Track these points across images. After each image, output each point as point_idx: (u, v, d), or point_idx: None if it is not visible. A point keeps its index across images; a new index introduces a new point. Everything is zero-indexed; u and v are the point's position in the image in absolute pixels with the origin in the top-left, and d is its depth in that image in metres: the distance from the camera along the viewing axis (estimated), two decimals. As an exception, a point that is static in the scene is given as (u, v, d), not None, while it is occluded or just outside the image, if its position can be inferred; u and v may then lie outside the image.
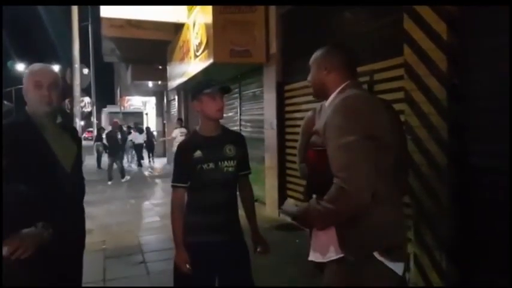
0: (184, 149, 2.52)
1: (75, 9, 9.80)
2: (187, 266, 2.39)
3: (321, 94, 2.04)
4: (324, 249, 1.84)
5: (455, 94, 3.42)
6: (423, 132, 3.59)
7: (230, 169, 2.49)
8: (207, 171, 2.43)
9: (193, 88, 2.54)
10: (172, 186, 2.51)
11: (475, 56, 3.34)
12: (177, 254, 2.45)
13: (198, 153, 2.43)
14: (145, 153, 18.33)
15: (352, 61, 2.04)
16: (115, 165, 12.38)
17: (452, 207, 3.46)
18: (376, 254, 1.72)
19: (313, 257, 1.92)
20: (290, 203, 1.98)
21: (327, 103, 1.96)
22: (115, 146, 12.35)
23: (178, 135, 11.69)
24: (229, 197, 2.54)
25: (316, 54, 2.08)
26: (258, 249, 2.63)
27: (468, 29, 3.36)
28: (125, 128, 17.18)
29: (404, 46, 3.82)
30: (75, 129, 2.65)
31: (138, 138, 17.29)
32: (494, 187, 3.21)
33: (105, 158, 18.14)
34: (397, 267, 1.75)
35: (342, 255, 1.75)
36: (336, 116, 1.74)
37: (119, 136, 12.73)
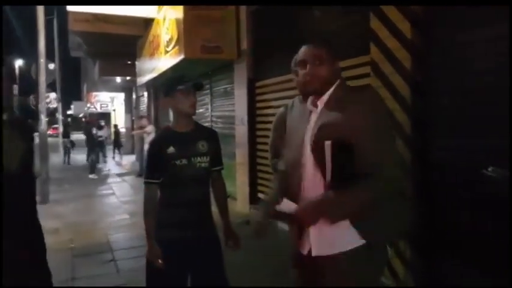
0: (157, 145, 2.52)
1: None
2: (160, 261, 2.40)
3: (317, 88, 1.97)
4: (335, 241, 1.85)
5: (419, 91, 3.55)
6: (389, 128, 3.70)
7: (203, 165, 2.51)
8: (180, 167, 2.45)
9: (166, 84, 2.55)
10: (145, 183, 2.52)
11: (438, 54, 3.47)
12: (149, 249, 2.46)
13: (171, 149, 2.44)
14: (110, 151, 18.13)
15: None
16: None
17: (416, 200, 3.59)
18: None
19: (319, 251, 1.90)
20: (286, 202, 1.92)
21: (323, 98, 1.96)
22: (91, 142, 13.00)
23: (153, 131, 11.41)
24: (202, 192, 2.56)
25: (327, 48, 1.99)
26: (229, 244, 2.66)
27: (431, 28, 3.49)
28: None
29: (371, 44, 3.93)
30: (24, 124, 2.56)
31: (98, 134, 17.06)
32: (455, 181, 3.36)
33: (73, 155, 17.99)
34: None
35: (359, 243, 1.80)
36: (371, 112, 1.82)
37: (94, 132, 13.30)
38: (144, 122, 11.65)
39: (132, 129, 20.10)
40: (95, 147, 13.16)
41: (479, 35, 3.10)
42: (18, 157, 2.25)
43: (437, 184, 3.52)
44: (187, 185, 2.49)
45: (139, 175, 11.78)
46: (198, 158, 2.50)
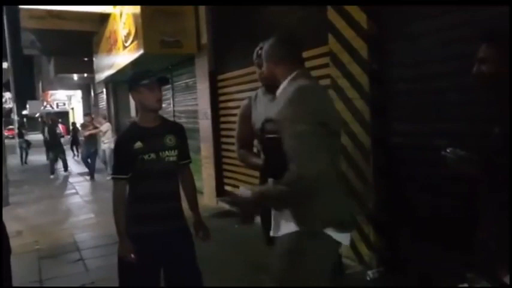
0: (124, 141, 2.53)
1: (-11, -1, 9.14)
2: (132, 256, 2.42)
3: (272, 84, 2.12)
4: (280, 225, 1.99)
5: (376, 79, 3.70)
6: (348, 116, 3.84)
7: (171, 159, 2.54)
8: (148, 162, 2.46)
9: (130, 79, 2.55)
10: (113, 178, 2.52)
11: (392, 42, 3.62)
12: (120, 244, 2.46)
13: (138, 144, 2.45)
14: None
15: (298, 50, 2.14)
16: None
17: (377, 184, 3.75)
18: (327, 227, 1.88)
19: (272, 233, 2.06)
20: (244, 190, 2.06)
21: (278, 91, 2.04)
22: (55, 141, 12.79)
23: (109, 129, 11.21)
24: (171, 186, 2.58)
25: (265, 46, 2.12)
26: (200, 235, 2.71)
27: (385, 19, 3.63)
28: None
29: (329, 35, 4.04)
30: None
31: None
32: (412, 163, 3.53)
33: (30, 156, 17.46)
34: (344, 238, 1.94)
35: (295, 229, 1.89)
36: (290, 105, 1.83)
37: (58, 131, 13.21)
38: (100, 119, 11.42)
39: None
40: (59, 146, 12.84)
41: (432, 24, 3.26)
42: None
43: (397, 167, 3.69)
44: (156, 179, 2.50)
45: (91, 177, 11.42)
46: (166, 152, 2.52)
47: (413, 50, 3.46)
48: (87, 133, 11.18)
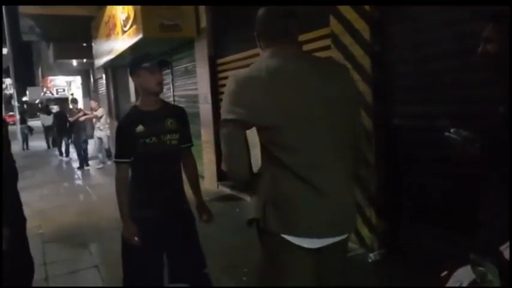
0: (125, 125, 2.52)
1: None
2: (136, 238, 2.43)
3: None
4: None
5: (378, 61, 3.67)
6: (350, 99, 3.81)
7: (173, 142, 2.53)
8: (150, 145, 2.45)
9: (131, 62, 2.53)
10: (116, 162, 2.52)
11: (394, 24, 3.58)
12: (124, 227, 2.47)
13: (140, 127, 2.44)
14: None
15: (283, 24, 1.79)
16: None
17: (378, 166, 3.75)
18: (282, 231, 1.69)
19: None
20: None
21: None
22: (64, 126, 12.55)
23: (104, 114, 10.68)
24: (173, 169, 2.59)
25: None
26: (203, 218, 2.72)
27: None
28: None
29: (331, 17, 4.00)
30: None
31: (47, 120, 16.53)
32: (415, 145, 3.53)
33: (31, 142, 17.56)
34: (309, 243, 1.70)
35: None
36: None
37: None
38: (94, 105, 10.68)
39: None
40: (68, 132, 12.44)
41: (431, 6, 3.22)
42: None
43: (399, 150, 3.68)
44: (158, 162, 2.51)
45: (80, 166, 10.85)
46: (168, 136, 2.51)
47: (415, 32, 3.42)
48: (82, 118, 10.61)
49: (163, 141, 2.50)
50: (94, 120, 10.64)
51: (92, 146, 11.40)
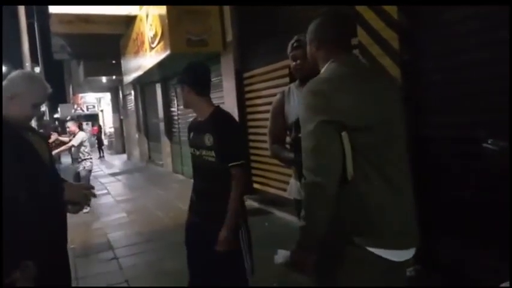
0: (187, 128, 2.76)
1: (22, 6, 9.39)
2: None
3: (308, 75, 1.87)
4: None
5: (407, 70, 3.59)
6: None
7: (209, 158, 2.46)
8: (193, 156, 2.61)
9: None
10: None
11: (424, 32, 3.51)
12: None
13: (190, 135, 2.65)
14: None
15: (344, 33, 1.82)
16: None
17: (412, 179, 3.63)
18: (360, 241, 1.60)
19: None
20: (281, 254, 1.78)
21: None
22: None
23: (84, 140, 7.74)
24: (208, 186, 2.56)
25: (310, 27, 1.84)
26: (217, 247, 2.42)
27: (416, 7, 3.52)
28: None
29: (358, 27, 3.95)
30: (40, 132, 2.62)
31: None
32: (448, 156, 3.42)
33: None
34: (391, 255, 1.63)
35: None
36: (302, 101, 1.67)
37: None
38: (72, 127, 7.74)
39: (122, 129, 20.01)
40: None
41: (462, 12, 3.15)
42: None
43: (434, 162, 3.57)
44: (196, 175, 2.69)
45: None
46: (204, 151, 2.56)
47: (445, 39, 3.34)
48: (55, 151, 6.77)
49: (200, 156, 2.52)
50: (72, 149, 7.77)
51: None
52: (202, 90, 2.49)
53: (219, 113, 2.52)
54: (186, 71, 2.53)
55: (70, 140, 7.73)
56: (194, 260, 2.61)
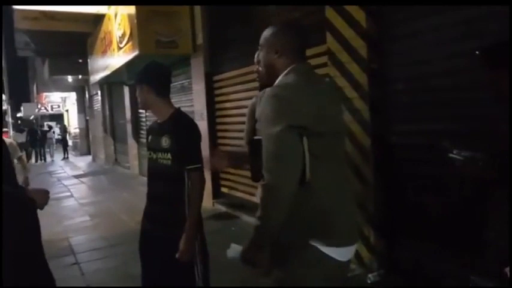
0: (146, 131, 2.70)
1: (-19, 0, 9.02)
2: None
3: (269, 79, 1.87)
4: None
5: (375, 78, 3.65)
6: (347, 116, 3.79)
7: (164, 162, 2.41)
8: (149, 160, 2.53)
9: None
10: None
11: (392, 42, 3.58)
12: None
13: (149, 138, 2.61)
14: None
15: (304, 42, 1.89)
16: None
17: (377, 185, 3.70)
18: (314, 241, 1.67)
19: None
20: (234, 248, 1.80)
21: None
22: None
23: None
24: (162, 189, 2.47)
25: (267, 33, 1.87)
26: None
27: (385, 17, 3.59)
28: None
29: (327, 34, 3.99)
30: None
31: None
32: (412, 162, 3.49)
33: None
34: (339, 253, 1.71)
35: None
36: (265, 105, 1.69)
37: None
38: None
39: (87, 129, 19.58)
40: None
41: (429, 23, 3.23)
42: None
43: (397, 167, 3.64)
44: (151, 179, 2.60)
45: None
46: (159, 154, 2.50)
47: (412, 49, 3.42)
48: None
49: (156, 159, 2.44)
50: None
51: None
52: (163, 90, 2.44)
53: (179, 115, 2.48)
54: (145, 70, 2.46)
55: None
56: (145, 266, 2.55)
